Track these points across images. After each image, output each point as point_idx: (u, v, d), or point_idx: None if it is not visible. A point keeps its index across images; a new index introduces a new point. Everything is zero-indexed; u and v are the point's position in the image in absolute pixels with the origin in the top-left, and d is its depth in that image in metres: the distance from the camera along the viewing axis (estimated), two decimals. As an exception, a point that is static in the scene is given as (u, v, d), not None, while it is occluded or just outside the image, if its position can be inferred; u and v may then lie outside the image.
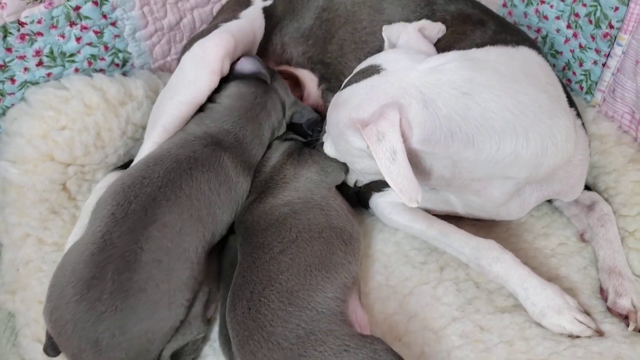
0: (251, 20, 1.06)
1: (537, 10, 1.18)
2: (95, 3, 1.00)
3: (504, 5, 1.26)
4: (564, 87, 0.92)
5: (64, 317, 0.74)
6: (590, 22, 1.07)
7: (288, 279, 0.81)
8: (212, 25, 1.06)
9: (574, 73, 1.15)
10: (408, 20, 1.03)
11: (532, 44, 0.96)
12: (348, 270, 0.87)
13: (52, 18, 0.96)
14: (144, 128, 1.05)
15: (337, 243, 0.89)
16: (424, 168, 0.80)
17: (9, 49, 0.94)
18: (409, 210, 1.00)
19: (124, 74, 1.13)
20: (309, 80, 1.17)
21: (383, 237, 1.03)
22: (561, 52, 1.17)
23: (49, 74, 1.01)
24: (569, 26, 1.12)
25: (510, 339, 0.85)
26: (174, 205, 0.83)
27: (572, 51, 1.14)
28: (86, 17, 1.01)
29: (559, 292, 0.86)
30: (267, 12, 1.13)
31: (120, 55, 1.10)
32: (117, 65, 1.11)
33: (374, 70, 0.83)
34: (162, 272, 0.77)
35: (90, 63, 1.06)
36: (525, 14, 1.21)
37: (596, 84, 1.11)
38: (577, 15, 1.09)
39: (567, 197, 0.99)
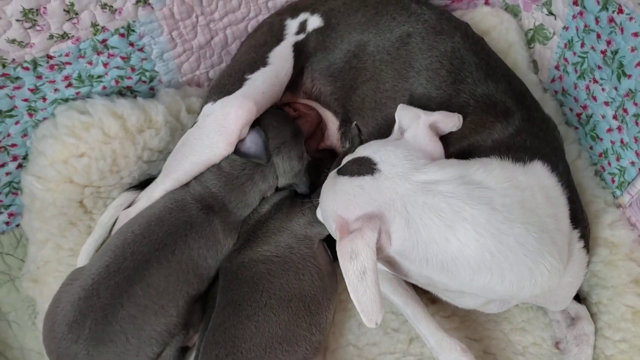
0: (279, 68, 1.04)
1: (587, 87, 1.07)
2: (122, 35, 1.00)
3: (557, 67, 1.14)
4: (574, 204, 0.87)
5: (51, 347, 0.88)
6: (637, 123, 0.96)
7: (250, 349, 0.88)
8: (240, 72, 1.04)
9: (609, 164, 1.06)
10: (430, 95, 0.98)
11: (553, 150, 0.90)
12: (310, 342, 0.92)
13: (80, 50, 0.98)
14: (160, 152, 1.11)
15: (303, 314, 0.93)
16: (402, 270, 0.82)
17: (39, 77, 0.99)
18: (392, 281, 1.01)
19: (151, 88, 1.16)
20: (331, 122, 1.15)
21: (366, 294, 1.08)
22: (601, 139, 1.07)
23: (77, 93, 1.06)
24: (615, 117, 1.02)
25: None
26: (164, 268, 0.90)
27: (613, 142, 1.04)
28: (113, 47, 1.02)
29: None
30: (299, 46, 1.09)
31: (147, 74, 1.11)
32: (144, 82, 1.13)
33: (369, 167, 0.81)
34: (135, 327, 0.87)
35: (117, 82, 1.09)
36: (575, 86, 1.10)
37: (629, 184, 1.03)
38: (625, 110, 0.98)
39: (550, 308, 0.98)
